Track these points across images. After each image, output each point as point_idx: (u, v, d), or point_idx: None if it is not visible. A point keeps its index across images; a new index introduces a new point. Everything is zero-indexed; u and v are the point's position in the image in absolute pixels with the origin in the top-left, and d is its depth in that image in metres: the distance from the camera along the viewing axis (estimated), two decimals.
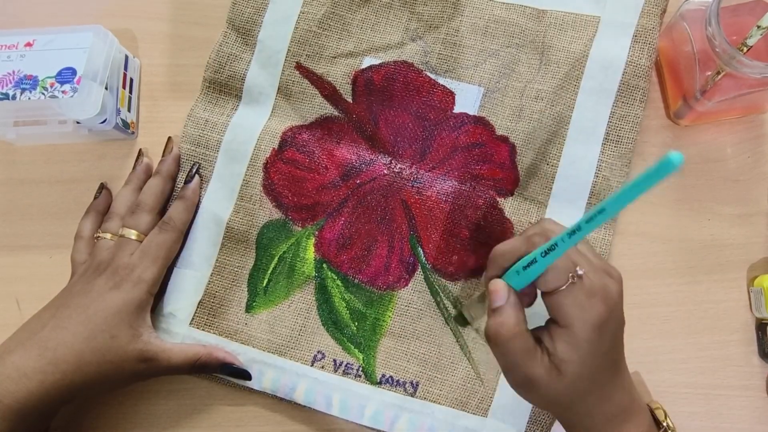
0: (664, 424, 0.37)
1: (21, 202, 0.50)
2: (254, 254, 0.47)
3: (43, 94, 0.45)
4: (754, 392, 0.44)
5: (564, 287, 0.33)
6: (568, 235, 0.31)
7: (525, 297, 0.36)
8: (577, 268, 0.34)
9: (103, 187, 0.48)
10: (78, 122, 0.47)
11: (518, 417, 0.43)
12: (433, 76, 0.47)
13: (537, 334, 0.35)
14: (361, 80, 0.48)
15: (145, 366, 0.41)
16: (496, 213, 0.45)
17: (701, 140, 0.48)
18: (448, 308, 0.45)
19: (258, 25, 0.49)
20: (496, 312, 0.35)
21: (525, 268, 0.34)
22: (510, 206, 0.45)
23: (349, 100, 0.48)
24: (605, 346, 0.34)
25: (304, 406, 0.45)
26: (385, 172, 0.47)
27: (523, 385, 0.36)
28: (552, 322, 0.35)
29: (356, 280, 0.46)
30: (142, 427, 0.46)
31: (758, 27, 0.38)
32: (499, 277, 0.36)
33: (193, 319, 0.46)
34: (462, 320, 0.44)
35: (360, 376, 0.45)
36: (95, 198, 0.48)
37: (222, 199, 0.47)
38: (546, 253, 0.33)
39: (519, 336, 0.34)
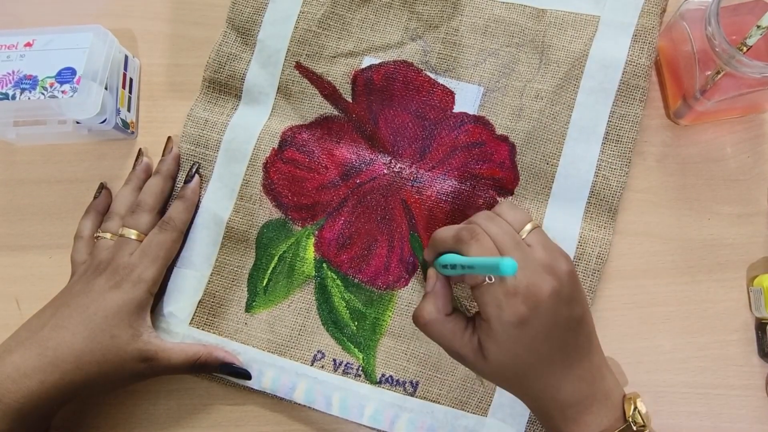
0: (629, 417, 0.36)
1: (21, 201, 0.50)
2: (254, 254, 0.47)
3: (42, 94, 0.45)
4: (753, 392, 0.44)
5: (483, 284, 0.35)
6: (462, 266, 0.34)
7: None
8: None
9: (102, 186, 0.48)
10: (78, 122, 0.47)
11: (518, 417, 0.43)
12: (432, 76, 0.47)
13: (474, 316, 0.38)
14: (361, 80, 0.48)
15: (145, 365, 0.41)
16: None
17: (701, 140, 0.48)
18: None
19: (258, 25, 0.49)
20: (423, 297, 0.38)
21: (444, 266, 0.37)
22: None
23: (349, 99, 0.48)
24: (531, 341, 0.35)
25: (304, 406, 0.45)
26: (385, 171, 0.47)
27: (455, 358, 0.38)
28: (481, 317, 0.36)
29: (356, 280, 0.46)
30: (142, 427, 0.46)
31: (758, 27, 0.38)
32: (434, 259, 0.39)
33: (193, 318, 0.46)
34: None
35: (360, 376, 0.45)
36: (95, 198, 0.48)
37: (222, 199, 0.47)
38: (463, 267, 0.35)
39: (437, 321, 0.37)
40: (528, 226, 0.37)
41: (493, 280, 0.35)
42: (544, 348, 0.35)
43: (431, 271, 0.39)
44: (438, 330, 0.37)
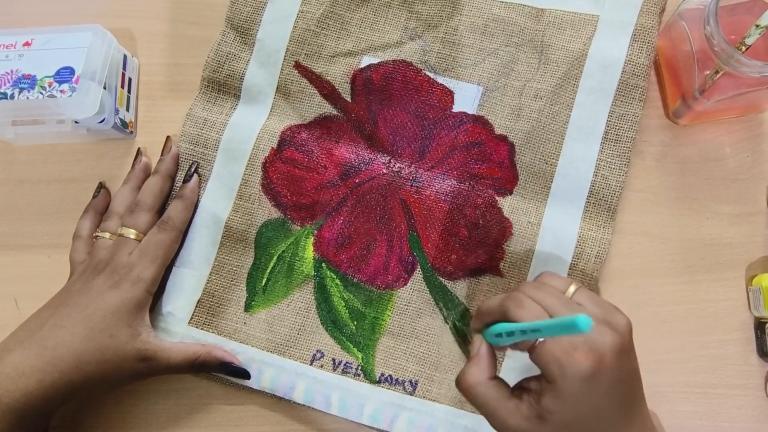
0: None
1: (19, 201, 0.50)
2: (253, 253, 0.47)
3: (41, 93, 0.45)
4: (753, 391, 0.44)
5: (538, 344, 0.34)
6: (555, 326, 0.32)
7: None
8: None
9: (101, 186, 0.48)
10: (76, 122, 0.47)
11: None
12: (432, 75, 0.47)
13: (525, 384, 0.36)
14: (360, 79, 0.48)
15: (144, 365, 0.41)
16: (494, 212, 0.45)
17: (700, 139, 0.48)
18: (448, 308, 0.45)
19: (257, 24, 0.49)
20: (468, 362, 0.37)
21: (497, 335, 0.36)
22: (509, 205, 0.45)
23: (348, 99, 0.48)
24: (598, 398, 0.34)
25: (303, 406, 0.45)
26: (384, 171, 0.47)
27: (501, 429, 0.36)
28: (543, 379, 0.35)
29: (355, 280, 0.46)
30: (140, 427, 0.46)
31: (756, 26, 0.38)
32: (482, 329, 0.38)
33: (192, 318, 0.46)
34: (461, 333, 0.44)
35: (359, 375, 0.45)
36: (94, 197, 0.48)
37: (221, 199, 0.47)
38: (524, 332, 0.34)
39: (481, 384, 0.36)
40: (572, 288, 0.37)
41: (544, 340, 0.34)
42: (607, 404, 0.34)
43: (477, 337, 0.38)
44: (482, 393, 0.36)
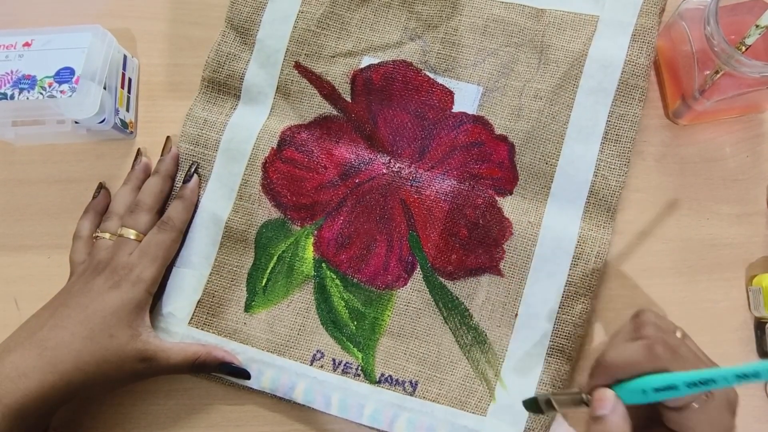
0: None
1: (19, 201, 0.50)
2: (253, 253, 0.47)
3: (41, 93, 0.45)
4: (753, 391, 0.44)
5: (696, 404, 0.31)
6: (734, 375, 0.28)
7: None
8: None
9: (101, 186, 0.48)
10: (76, 122, 0.47)
11: (517, 416, 0.43)
12: (432, 76, 0.47)
13: None
14: (360, 79, 0.48)
15: (144, 365, 0.41)
16: (495, 212, 0.45)
17: (700, 140, 0.48)
18: (448, 308, 0.45)
19: (257, 25, 0.49)
20: (598, 420, 0.32)
21: (657, 390, 0.31)
22: (509, 205, 0.45)
23: (348, 99, 0.48)
24: None
25: (303, 406, 0.45)
26: (384, 171, 0.47)
27: None
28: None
29: (355, 280, 0.46)
30: (140, 427, 0.46)
31: (757, 26, 0.38)
32: (608, 385, 0.33)
33: (192, 318, 0.46)
34: (535, 407, 0.37)
35: (359, 376, 0.45)
36: (94, 198, 0.48)
37: (221, 199, 0.47)
38: (694, 384, 0.30)
39: None
40: (678, 332, 0.34)
41: (707, 396, 0.31)
42: None
43: (607, 393, 0.32)
44: None
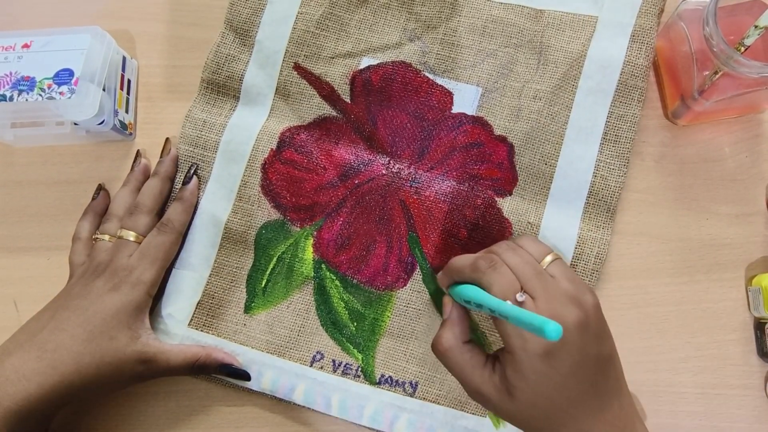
0: None
1: (18, 203, 0.50)
2: (253, 255, 0.47)
3: (40, 95, 0.45)
4: (752, 391, 0.44)
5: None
6: (491, 309, 0.32)
7: None
8: (517, 295, 0.34)
9: (101, 188, 0.48)
10: (76, 123, 0.47)
11: None
12: (431, 76, 0.47)
13: (498, 353, 0.36)
14: (359, 80, 0.48)
15: (144, 367, 0.41)
16: (494, 213, 0.45)
17: (699, 140, 0.48)
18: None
19: (256, 26, 0.49)
20: (441, 325, 0.37)
21: (465, 301, 0.35)
22: (508, 206, 0.45)
23: (348, 100, 0.48)
24: (560, 378, 0.33)
25: (303, 407, 0.45)
26: (384, 172, 0.47)
27: (474, 397, 0.36)
28: (505, 350, 0.35)
29: (355, 281, 0.46)
30: (140, 429, 0.46)
31: (756, 27, 0.38)
32: (449, 286, 0.38)
33: (191, 320, 0.46)
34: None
35: (359, 377, 0.45)
36: (93, 199, 0.48)
37: (220, 200, 0.47)
38: (477, 304, 0.34)
39: (456, 348, 0.36)
40: (548, 257, 0.36)
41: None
42: (574, 387, 0.34)
43: (446, 299, 0.38)
44: (457, 358, 0.36)
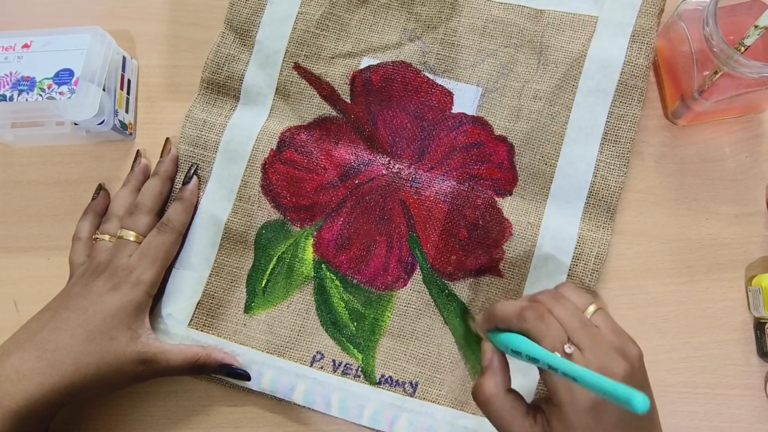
0: None
1: (18, 203, 0.50)
2: (253, 255, 0.47)
3: (40, 95, 0.45)
4: (752, 391, 0.44)
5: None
6: (550, 366, 0.31)
7: None
8: (566, 346, 0.33)
9: (101, 188, 0.48)
10: (76, 123, 0.47)
11: None
12: (431, 76, 0.47)
13: (538, 403, 0.35)
14: (360, 80, 0.48)
15: (144, 367, 0.41)
16: (494, 213, 0.45)
17: (699, 140, 0.48)
18: (447, 309, 0.45)
19: (256, 26, 0.49)
20: (483, 373, 0.37)
21: (513, 351, 0.35)
22: (508, 206, 0.45)
23: (348, 100, 0.48)
24: (607, 430, 0.32)
25: (304, 407, 0.45)
26: (384, 172, 0.47)
27: None
28: (551, 402, 0.34)
29: (355, 281, 0.46)
30: (140, 429, 0.46)
31: (755, 27, 0.38)
32: (490, 332, 0.37)
33: (191, 320, 0.46)
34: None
35: (359, 377, 0.45)
36: (93, 199, 0.48)
37: (220, 200, 0.47)
38: (528, 359, 0.33)
39: (498, 397, 0.35)
40: (592, 308, 0.36)
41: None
42: None
43: (487, 345, 0.37)
44: (500, 407, 0.35)
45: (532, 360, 0.33)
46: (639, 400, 0.26)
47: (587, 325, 0.35)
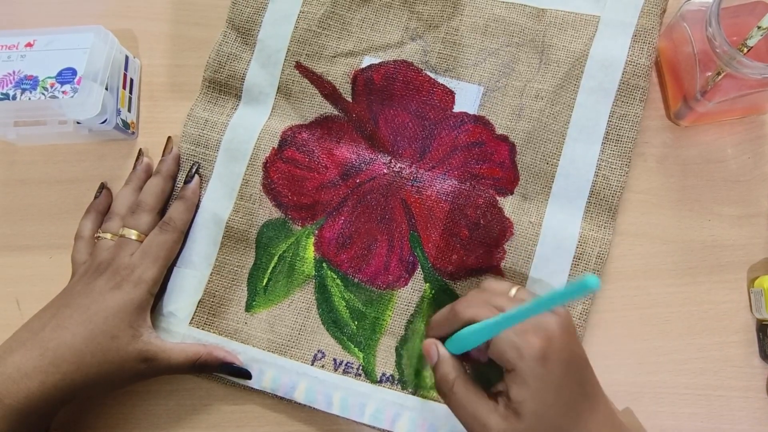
0: None
1: (21, 202, 0.50)
2: (254, 253, 0.47)
3: (43, 94, 0.45)
4: (754, 393, 0.44)
5: (494, 337, 0.36)
6: (500, 320, 0.34)
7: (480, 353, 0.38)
8: (511, 291, 0.38)
9: (103, 186, 0.48)
10: (78, 122, 0.47)
11: None
12: (432, 75, 0.47)
13: (494, 389, 0.38)
14: (361, 79, 0.48)
15: (146, 366, 0.41)
16: (495, 212, 0.45)
17: (702, 141, 0.48)
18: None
19: (258, 25, 0.49)
20: (434, 369, 0.39)
21: (464, 341, 0.38)
22: (510, 205, 0.45)
23: (349, 99, 0.48)
24: (557, 379, 0.35)
25: (305, 406, 0.45)
26: (385, 171, 0.47)
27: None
28: (505, 371, 0.36)
29: (356, 279, 0.46)
30: (141, 428, 0.46)
31: (758, 28, 0.38)
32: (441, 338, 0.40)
33: (193, 318, 0.46)
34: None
35: (360, 375, 0.45)
36: (95, 198, 0.48)
37: (222, 199, 0.47)
38: (480, 336, 0.36)
39: (459, 384, 0.37)
40: (513, 290, 0.39)
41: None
42: (568, 388, 0.36)
43: (427, 343, 0.40)
44: (463, 395, 0.37)
45: (484, 334, 0.36)
46: (590, 279, 0.28)
47: (512, 299, 0.38)
